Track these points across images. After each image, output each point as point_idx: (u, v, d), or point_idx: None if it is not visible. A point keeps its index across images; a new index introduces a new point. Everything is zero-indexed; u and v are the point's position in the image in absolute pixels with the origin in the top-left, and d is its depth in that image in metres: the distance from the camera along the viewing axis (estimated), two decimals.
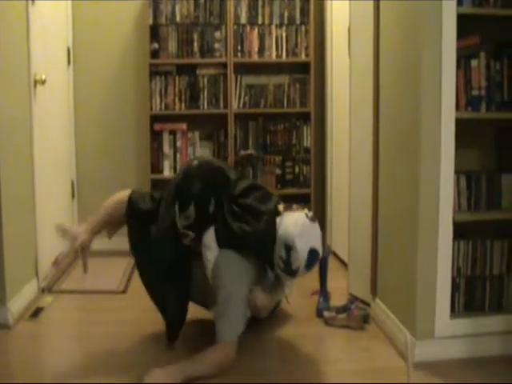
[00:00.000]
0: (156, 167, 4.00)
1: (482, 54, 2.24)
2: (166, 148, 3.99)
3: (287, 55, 4.00)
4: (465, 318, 2.31)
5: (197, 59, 3.95)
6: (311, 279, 2.74)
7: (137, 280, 2.58)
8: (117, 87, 4.09)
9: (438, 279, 2.24)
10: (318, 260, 2.34)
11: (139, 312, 2.82)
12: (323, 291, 2.83)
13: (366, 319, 2.66)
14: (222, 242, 2.34)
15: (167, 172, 4.00)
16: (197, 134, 4.04)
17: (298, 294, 2.92)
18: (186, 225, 2.35)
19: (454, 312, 2.32)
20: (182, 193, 2.36)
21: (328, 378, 2.21)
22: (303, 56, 4.01)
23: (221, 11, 3.92)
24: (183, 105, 3.98)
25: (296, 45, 4.00)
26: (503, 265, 2.36)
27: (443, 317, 2.26)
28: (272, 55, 4.00)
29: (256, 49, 3.97)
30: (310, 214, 2.37)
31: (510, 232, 2.38)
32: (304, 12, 3.98)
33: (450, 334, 2.27)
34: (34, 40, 3.07)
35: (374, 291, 2.76)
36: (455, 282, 2.32)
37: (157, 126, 3.96)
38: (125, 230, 2.47)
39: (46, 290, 3.14)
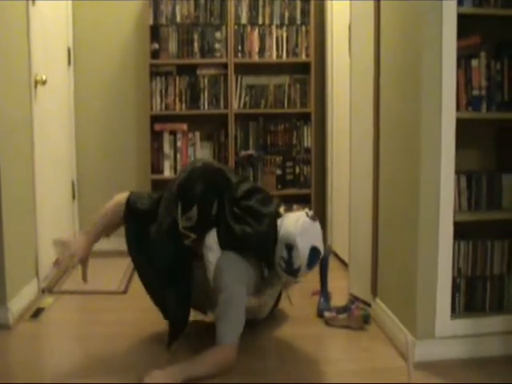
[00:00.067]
0: (156, 167, 4.00)
1: (483, 54, 2.24)
2: (167, 148, 3.99)
3: (287, 55, 4.00)
4: (465, 318, 2.31)
5: (197, 59, 3.95)
6: (312, 279, 2.74)
7: (137, 280, 2.58)
8: (117, 87, 4.09)
9: (439, 279, 2.24)
10: (319, 258, 2.35)
11: (139, 312, 2.82)
12: (324, 291, 2.83)
13: (366, 319, 2.66)
14: (224, 244, 2.34)
15: (167, 172, 3.99)
16: (197, 134, 4.03)
17: (298, 295, 2.93)
18: (188, 226, 2.35)
19: (455, 312, 2.32)
20: (184, 193, 2.35)
21: (328, 378, 2.21)
22: (303, 56, 4.01)
23: (221, 11, 3.92)
24: (183, 105, 3.98)
25: (296, 45, 4.00)
26: (504, 265, 2.36)
27: (444, 317, 2.26)
28: (272, 55, 4.00)
29: (256, 49, 3.97)
30: (311, 212, 2.37)
31: (511, 232, 2.37)
32: (304, 12, 3.98)
33: (450, 334, 2.27)
34: (35, 40, 3.08)
35: (374, 291, 2.76)
36: (456, 282, 2.32)
37: (157, 127, 3.96)
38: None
39: (47, 290, 3.14)
